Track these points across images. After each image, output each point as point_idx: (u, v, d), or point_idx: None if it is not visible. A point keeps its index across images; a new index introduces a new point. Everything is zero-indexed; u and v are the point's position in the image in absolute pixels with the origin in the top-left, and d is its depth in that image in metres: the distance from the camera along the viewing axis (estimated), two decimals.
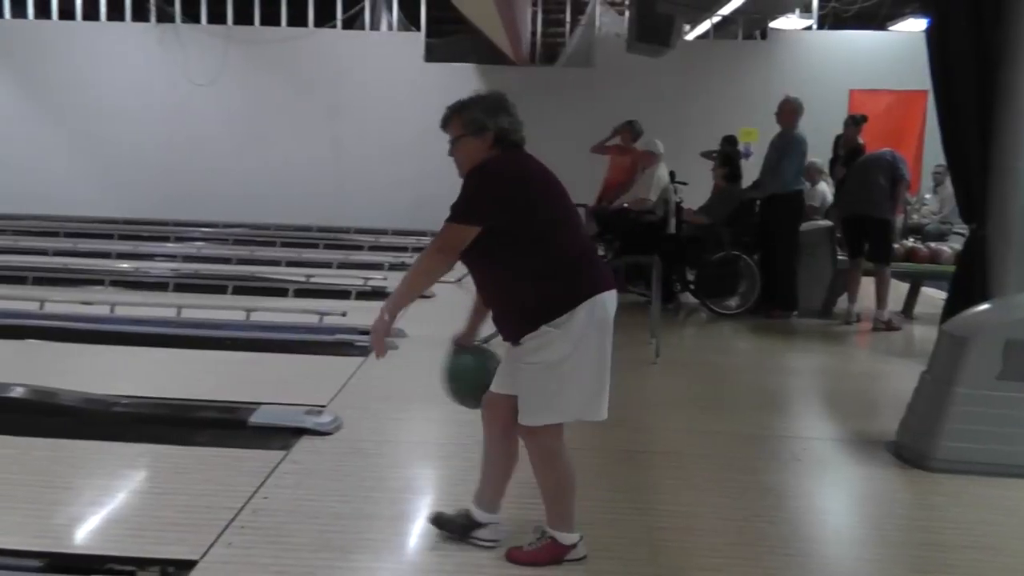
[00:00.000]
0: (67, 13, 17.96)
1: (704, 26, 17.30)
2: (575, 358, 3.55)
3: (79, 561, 3.71)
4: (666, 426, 5.90)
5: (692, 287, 9.83)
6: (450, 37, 17.65)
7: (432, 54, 17.20)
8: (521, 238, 3.54)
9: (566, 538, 3.74)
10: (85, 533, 4.03)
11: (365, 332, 7.54)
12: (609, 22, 17.42)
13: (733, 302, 9.59)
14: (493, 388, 3.80)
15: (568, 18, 18.24)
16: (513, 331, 3.66)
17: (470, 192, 3.57)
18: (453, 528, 3.92)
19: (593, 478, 4.58)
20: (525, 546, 3.77)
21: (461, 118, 3.69)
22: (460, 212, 3.53)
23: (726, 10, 14.87)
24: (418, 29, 17.43)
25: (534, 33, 17.88)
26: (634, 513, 4.34)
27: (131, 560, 3.68)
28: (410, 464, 5.13)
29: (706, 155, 11.47)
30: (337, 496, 4.40)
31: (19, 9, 18.09)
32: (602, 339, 3.62)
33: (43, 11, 18.01)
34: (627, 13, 15.25)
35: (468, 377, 3.98)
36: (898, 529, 4.37)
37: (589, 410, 3.68)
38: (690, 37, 17.22)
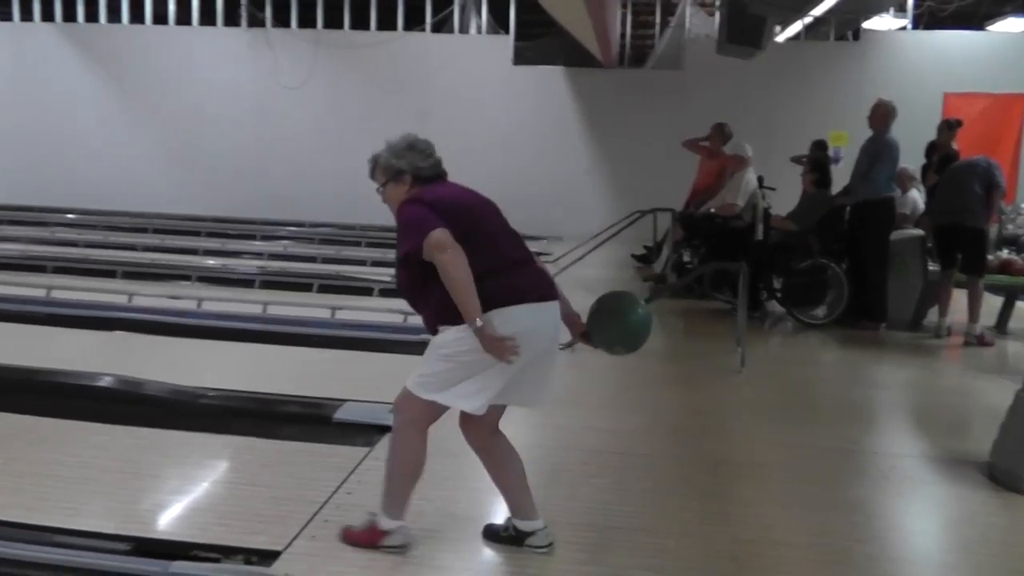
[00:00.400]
0: (160, 18, 18.41)
1: (796, 27, 16.96)
2: (464, 357, 3.59)
3: (165, 546, 3.78)
4: (750, 437, 5.76)
5: (779, 295, 9.65)
6: (539, 40, 17.62)
7: (520, 57, 17.18)
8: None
9: (385, 523, 3.77)
10: (171, 520, 4.11)
11: None
12: (699, 24, 17.21)
13: (820, 312, 9.37)
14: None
15: (658, 20, 18.06)
16: (429, 326, 3.78)
17: (407, 219, 3.69)
18: (502, 540, 3.95)
19: (673, 487, 4.52)
20: (355, 527, 3.86)
21: (379, 167, 3.90)
22: (420, 231, 3.56)
23: (819, 10, 14.50)
24: (507, 32, 17.45)
25: (623, 35, 17.73)
26: (715, 524, 4.26)
27: (216, 548, 3.74)
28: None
29: (796, 160, 11.29)
30: (419, 494, 4.36)
31: (114, 15, 18.60)
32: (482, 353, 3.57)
33: (137, 16, 18.49)
34: (717, 14, 15.04)
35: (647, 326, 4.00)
36: (991, 555, 4.18)
37: (465, 402, 3.69)
38: (781, 39, 16.92)
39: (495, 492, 4.00)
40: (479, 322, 3.48)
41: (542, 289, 3.76)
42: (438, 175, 3.91)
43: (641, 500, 4.44)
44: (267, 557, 3.67)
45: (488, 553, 3.93)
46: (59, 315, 8.24)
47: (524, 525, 3.90)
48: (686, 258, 11.04)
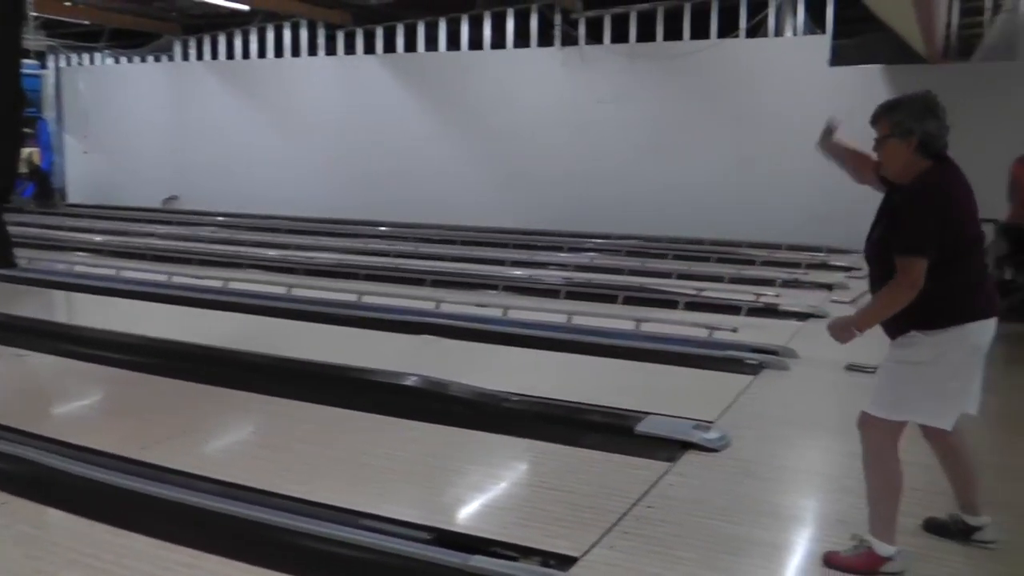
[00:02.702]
0: (476, 44, 19.19)
1: None
2: (931, 368, 3.64)
3: (466, 540, 3.82)
4: None
5: None
6: (858, 37, 16.79)
7: (838, 57, 16.42)
8: (939, 260, 3.57)
9: (883, 549, 3.68)
10: (473, 514, 4.17)
11: (756, 350, 7.42)
12: None
13: None
14: None
15: (989, 4, 16.67)
16: (891, 328, 3.74)
17: (917, 225, 3.60)
18: (950, 534, 4.00)
19: (1002, 538, 4.03)
20: (843, 551, 3.78)
21: (889, 119, 3.74)
22: (917, 248, 3.57)
23: None
24: (824, 31, 16.82)
25: (948, 25, 16.49)
26: None
27: (515, 547, 3.74)
28: (803, 493, 4.77)
29: None
30: (724, 515, 4.19)
31: (432, 45, 19.60)
32: (969, 361, 3.70)
33: (453, 43, 19.38)
34: None
35: None
36: None
37: (932, 418, 3.75)
38: None
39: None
40: (859, 332, 3.72)
41: (993, 304, 3.78)
42: (941, 150, 3.76)
43: (962, 550, 3.96)
44: (564, 562, 3.63)
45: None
46: (370, 318, 8.67)
47: (972, 520, 3.95)
48: (1008, 276, 10.06)
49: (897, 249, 3.59)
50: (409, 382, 6.25)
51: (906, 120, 3.68)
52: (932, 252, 3.54)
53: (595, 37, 18.18)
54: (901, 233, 3.61)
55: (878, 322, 3.73)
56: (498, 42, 18.96)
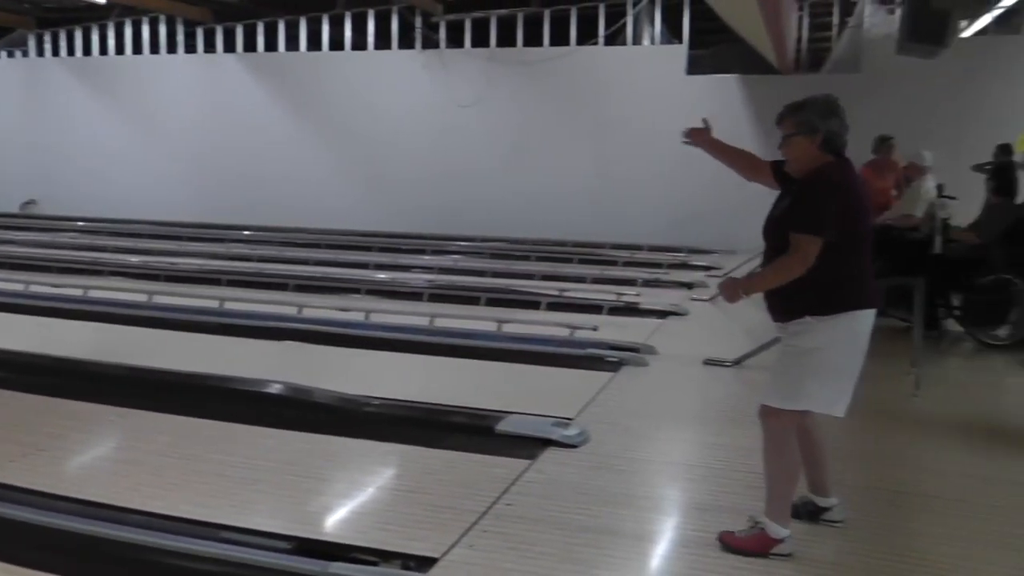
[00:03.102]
0: (337, 44, 19.04)
1: (983, 21, 15.91)
2: (824, 354, 3.85)
3: (326, 547, 3.83)
4: (927, 466, 5.37)
5: (958, 313, 9.12)
6: (713, 48, 17.33)
7: (695, 66, 16.93)
8: (833, 245, 3.80)
9: (777, 531, 3.89)
10: (333, 521, 4.17)
11: (616, 347, 7.60)
12: (879, 23, 16.45)
13: (1003, 332, 8.77)
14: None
15: (835, 21, 17.47)
16: (783, 311, 3.95)
17: (816, 206, 3.84)
18: (799, 515, 4.19)
19: (849, 517, 4.27)
20: (737, 532, 3.95)
21: (795, 118, 3.97)
22: (813, 226, 3.80)
23: (1009, 0, 13.60)
24: (681, 41, 17.27)
25: (799, 39, 17.21)
26: (890, 558, 3.96)
27: (375, 551, 3.77)
28: (658, 484, 4.92)
29: (977, 168, 10.64)
30: (582, 509, 4.31)
31: (292, 44, 19.36)
32: (854, 349, 3.92)
33: (314, 44, 19.18)
34: (898, 12, 14.30)
35: None
36: None
37: (828, 407, 3.95)
38: (967, 34, 15.93)
39: None
40: (745, 294, 3.97)
41: (877, 296, 4.01)
42: (841, 147, 4.01)
43: (810, 528, 4.20)
44: (425, 563, 3.67)
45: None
46: (232, 324, 8.58)
47: (822, 502, 4.23)
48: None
49: (795, 226, 3.82)
50: (270, 389, 6.21)
51: (811, 119, 3.92)
52: (827, 235, 3.77)
53: (456, 41, 18.26)
54: (801, 213, 3.84)
55: (764, 288, 3.96)
56: (359, 43, 18.87)
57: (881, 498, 4.73)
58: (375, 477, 4.76)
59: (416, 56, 18.28)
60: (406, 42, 18.51)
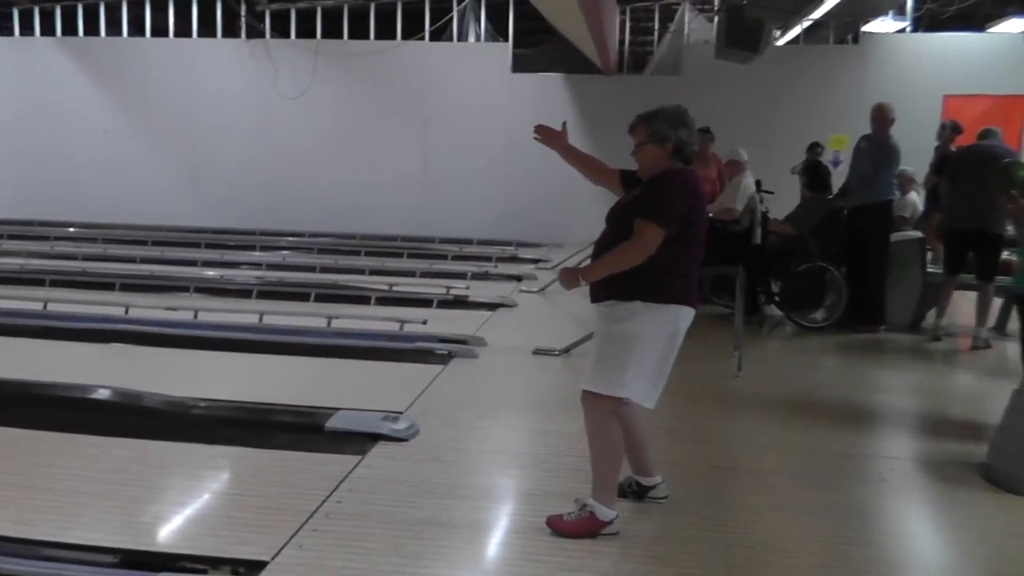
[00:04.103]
0: (160, 31, 18.50)
1: (795, 31, 16.90)
2: (645, 344, 3.99)
3: (153, 558, 3.73)
4: (748, 442, 5.72)
5: (777, 299, 9.62)
6: (538, 47, 17.63)
7: (520, 64, 17.21)
8: (673, 240, 3.97)
9: (605, 513, 4.02)
10: (160, 531, 4.07)
11: (445, 340, 7.68)
12: (698, 29, 17.20)
13: (819, 315, 9.34)
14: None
15: (656, 26, 18.08)
16: (612, 289, 4.03)
17: (666, 199, 4.01)
18: (625, 494, 4.40)
19: (672, 492, 4.49)
20: (565, 515, 4.05)
21: (647, 127, 4.15)
22: (659, 216, 3.96)
23: (817, 13, 14.50)
24: (506, 39, 17.46)
25: (622, 42, 17.76)
26: (713, 530, 4.21)
27: (204, 559, 3.71)
28: (487, 473, 5.03)
29: (796, 171, 11.24)
30: (412, 503, 4.36)
31: (114, 28, 18.71)
32: (672, 345, 4.10)
33: (137, 29, 18.59)
34: (716, 19, 15.02)
35: None
36: (988, 558, 4.13)
37: (642, 397, 4.12)
38: (780, 42, 16.87)
39: None
40: (584, 282, 4.08)
41: (696, 297, 4.16)
42: (689, 156, 4.20)
43: (636, 506, 4.41)
44: (254, 567, 3.63)
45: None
46: (55, 328, 8.23)
47: (646, 481, 4.45)
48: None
49: (641, 213, 3.96)
50: (94, 395, 5.97)
51: (663, 128, 4.10)
52: (670, 227, 3.93)
53: (282, 31, 17.99)
54: (649, 202, 4.00)
55: (604, 275, 4.04)
56: (183, 30, 18.36)
57: (705, 474, 5.00)
58: (204, 482, 4.68)
59: (241, 45, 17.95)
60: (231, 31, 18.11)
